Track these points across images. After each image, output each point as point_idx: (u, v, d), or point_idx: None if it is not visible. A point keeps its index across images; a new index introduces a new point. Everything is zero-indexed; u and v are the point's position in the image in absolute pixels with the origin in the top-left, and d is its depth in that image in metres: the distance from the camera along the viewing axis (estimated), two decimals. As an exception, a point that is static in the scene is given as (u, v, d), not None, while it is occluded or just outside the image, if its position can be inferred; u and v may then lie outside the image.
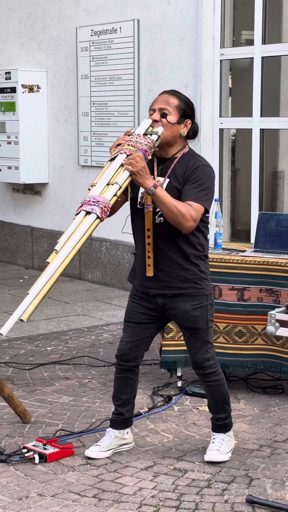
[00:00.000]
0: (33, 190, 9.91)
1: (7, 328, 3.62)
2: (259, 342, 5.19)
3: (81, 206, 3.84)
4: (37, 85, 9.44)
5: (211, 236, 5.36)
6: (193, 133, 4.16)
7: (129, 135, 4.04)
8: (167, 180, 4.05)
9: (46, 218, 9.76)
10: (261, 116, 7.29)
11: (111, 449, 4.34)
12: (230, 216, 8.03)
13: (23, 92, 9.34)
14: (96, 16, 8.71)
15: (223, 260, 5.21)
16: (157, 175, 4.07)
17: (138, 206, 4.10)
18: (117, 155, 3.95)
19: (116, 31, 8.41)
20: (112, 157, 3.97)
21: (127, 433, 4.41)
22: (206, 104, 7.60)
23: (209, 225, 4.20)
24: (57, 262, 3.69)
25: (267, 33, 7.28)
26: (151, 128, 4.04)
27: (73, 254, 3.73)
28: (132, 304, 4.26)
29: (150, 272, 4.11)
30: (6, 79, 9.48)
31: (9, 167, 9.54)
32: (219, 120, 7.61)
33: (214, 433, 4.34)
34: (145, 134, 4.02)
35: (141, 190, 4.06)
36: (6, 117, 9.53)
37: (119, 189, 3.87)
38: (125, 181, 3.90)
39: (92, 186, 3.92)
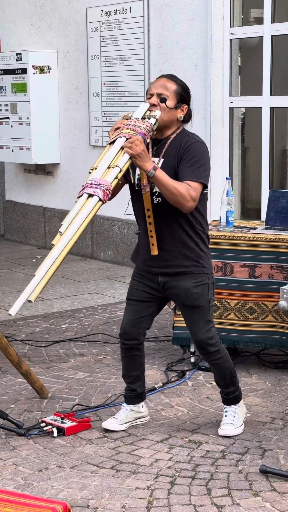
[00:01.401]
0: (44, 170, 9.99)
1: (16, 309, 3.70)
2: (270, 319, 5.28)
3: (83, 189, 3.90)
4: (48, 66, 9.50)
5: (222, 214, 5.44)
6: (188, 117, 4.23)
7: (127, 119, 4.10)
8: (162, 160, 4.12)
9: (58, 198, 9.85)
10: (271, 94, 7.34)
11: (127, 422, 4.46)
12: (240, 194, 8.10)
13: (34, 73, 9.41)
14: (105, -4, 8.75)
15: (234, 237, 5.29)
16: (152, 156, 4.14)
17: (136, 188, 4.18)
18: (117, 138, 4.00)
19: (126, 11, 8.45)
20: (111, 140, 4.02)
21: (142, 406, 4.53)
22: (216, 83, 7.65)
23: (207, 202, 4.27)
24: (62, 244, 3.77)
25: (277, 11, 7.31)
26: (148, 111, 4.11)
27: (77, 236, 3.79)
28: (135, 283, 4.35)
29: (154, 251, 4.19)
30: (17, 60, 9.54)
31: (21, 148, 9.63)
32: (229, 99, 7.67)
33: (225, 405, 4.45)
34: (143, 118, 4.08)
35: (137, 172, 4.13)
36: (18, 98, 9.60)
37: (120, 171, 3.94)
38: (125, 164, 3.96)
39: (92, 169, 3.98)
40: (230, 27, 7.60)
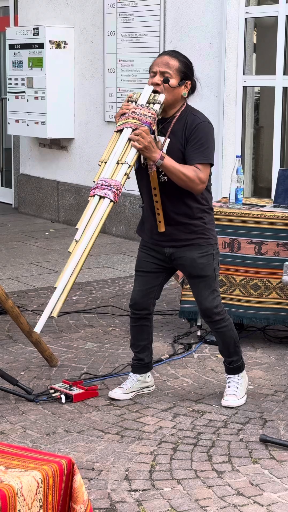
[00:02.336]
0: (59, 145, 10.09)
1: (40, 326, 3.81)
2: (273, 296, 5.38)
3: (94, 189, 3.98)
4: (64, 41, 9.57)
5: (232, 192, 5.54)
6: (192, 90, 4.28)
7: (131, 101, 4.16)
8: (168, 140, 4.20)
9: (72, 173, 9.96)
10: (284, 74, 7.40)
11: (133, 392, 4.60)
12: (252, 173, 8.18)
13: (50, 48, 9.49)
14: (123, -27, 8.80)
15: (243, 214, 5.39)
16: (158, 134, 4.21)
17: (142, 166, 4.25)
18: (123, 128, 4.08)
19: (143, -12, 8.51)
20: (118, 128, 4.10)
21: (149, 376, 4.66)
22: (230, 62, 7.72)
23: (211, 176, 4.36)
24: (79, 252, 3.84)
25: (292, -9, 7.35)
26: (153, 95, 4.16)
27: (93, 242, 3.87)
28: (142, 255, 4.48)
29: (162, 228, 4.32)
30: (34, 35, 9.62)
31: (36, 122, 9.73)
32: (243, 78, 7.73)
33: (228, 375, 4.58)
34: (148, 102, 4.13)
35: None
36: (34, 72, 9.69)
37: (129, 167, 4.02)
38: (133, 159, 4.04)
39: (101, 162, 4.06)
40: (246, 6, 7.65)
